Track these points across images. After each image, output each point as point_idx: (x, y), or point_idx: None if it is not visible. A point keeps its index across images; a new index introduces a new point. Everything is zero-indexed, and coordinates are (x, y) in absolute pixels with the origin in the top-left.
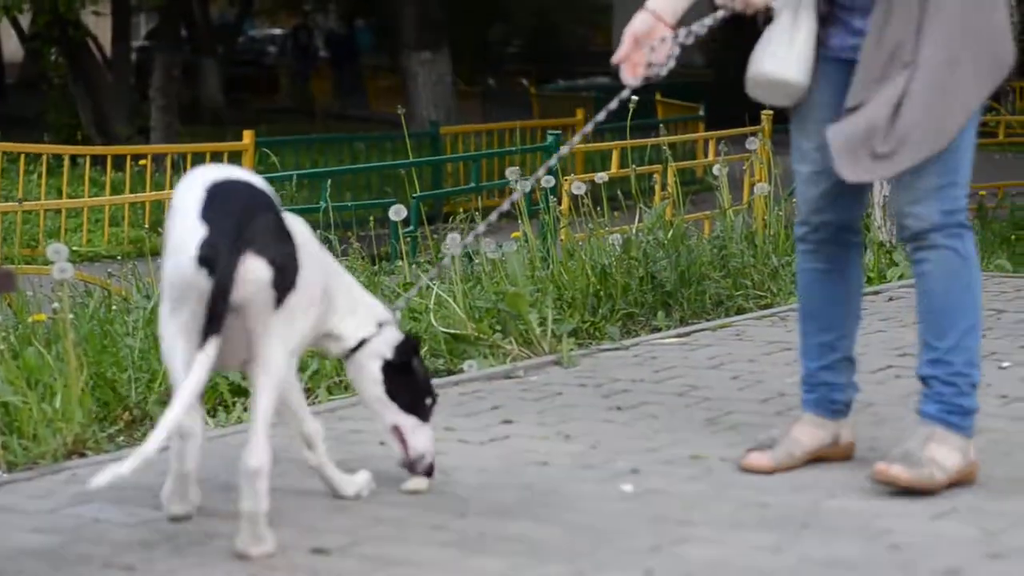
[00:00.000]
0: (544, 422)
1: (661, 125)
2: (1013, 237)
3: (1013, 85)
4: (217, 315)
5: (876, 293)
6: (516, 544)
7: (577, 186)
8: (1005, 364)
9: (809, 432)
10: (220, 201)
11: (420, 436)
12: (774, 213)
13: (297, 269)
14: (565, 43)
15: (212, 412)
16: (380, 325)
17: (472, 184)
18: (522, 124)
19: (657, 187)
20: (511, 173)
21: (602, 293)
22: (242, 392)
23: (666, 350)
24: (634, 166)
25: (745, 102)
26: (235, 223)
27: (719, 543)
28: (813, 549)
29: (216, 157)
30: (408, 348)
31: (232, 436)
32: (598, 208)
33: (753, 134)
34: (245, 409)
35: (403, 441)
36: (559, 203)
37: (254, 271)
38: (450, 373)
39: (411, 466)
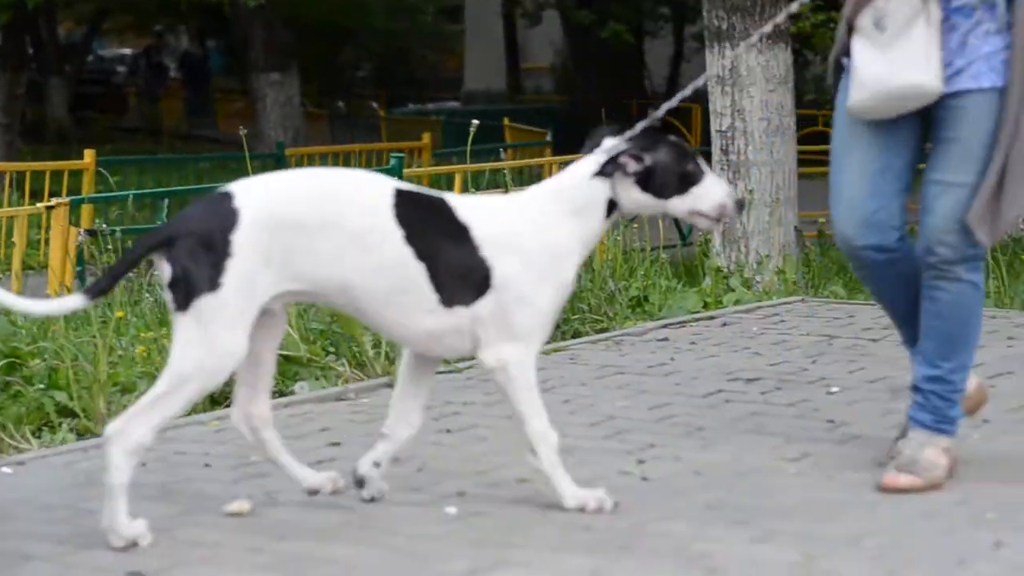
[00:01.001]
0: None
1: (502, 149)
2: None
3: None
4: (99, 280)
5: (711, 318)
6: (333, 568)
7: None
8: (834, 390)
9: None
10: (194, 205)
11: (709, 196)
12: (612, 238)
13: (201, 284)
14: (416, 68)
15: (37, 433)
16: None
17: None
18: (366, 147)
19: None
20: None
21: None
22: (69, 412)
23: None
24: (473, 190)
25: (594, 127)
26: (172, 224)
27: (536, 567)
28: (630, 573)
29: (56, 176)
30: (629, 160)
31: (55, 457)
32: None
33: None
34: (71, 430)
35: (706, 216)
36: None
37: (160, 268)
38: (281, 395)
39: (724, 216)
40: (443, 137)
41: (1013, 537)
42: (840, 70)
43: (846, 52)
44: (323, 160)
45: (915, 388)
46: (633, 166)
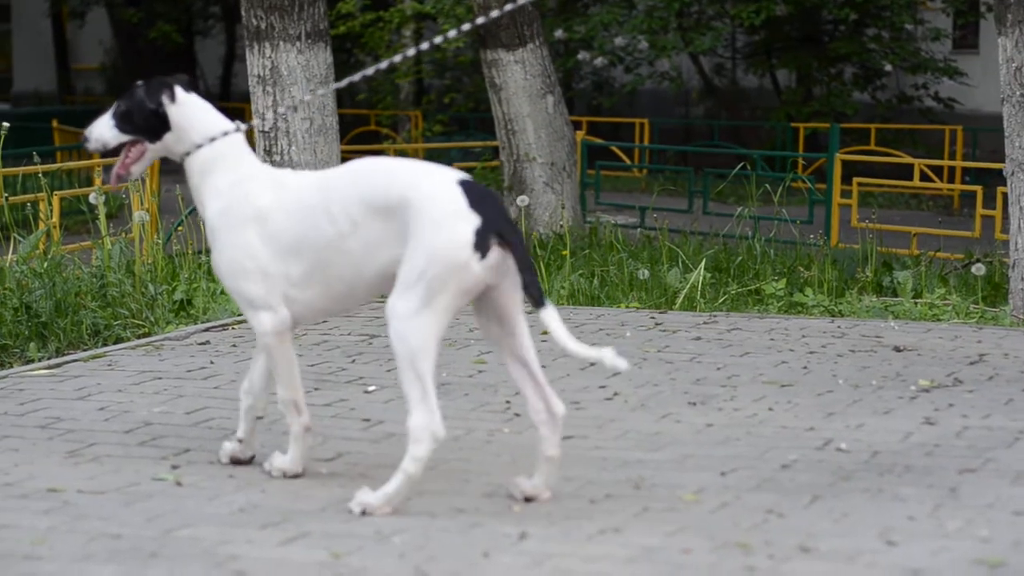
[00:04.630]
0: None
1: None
2: None
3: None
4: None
5: None
6: None
7: None
8: (371, 388)
9: None
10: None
11: None
12: (153, 241)
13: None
14: None
15: None
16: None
17: None
18: None
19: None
20: None
21: None
22: None
23: (34, 382)
24: (6, 195)
25: None
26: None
27: None
28: None
29: None
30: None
31: None
32: None
33: None
34: None
35: None
36: None
37: None
38: None
39: None
40: None
41: (537, 528)
42: None
43: None
44: None
45: None
46: None
